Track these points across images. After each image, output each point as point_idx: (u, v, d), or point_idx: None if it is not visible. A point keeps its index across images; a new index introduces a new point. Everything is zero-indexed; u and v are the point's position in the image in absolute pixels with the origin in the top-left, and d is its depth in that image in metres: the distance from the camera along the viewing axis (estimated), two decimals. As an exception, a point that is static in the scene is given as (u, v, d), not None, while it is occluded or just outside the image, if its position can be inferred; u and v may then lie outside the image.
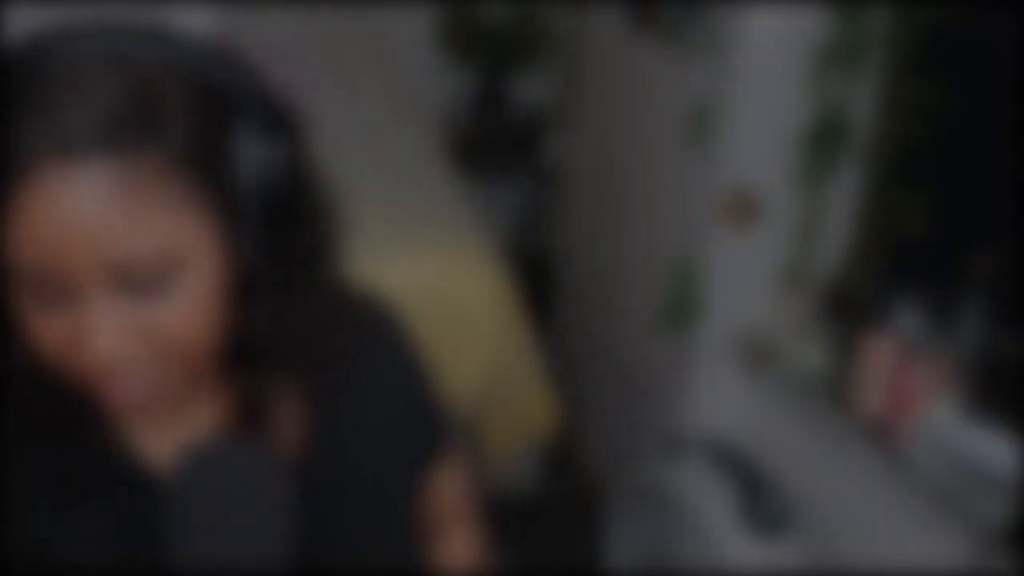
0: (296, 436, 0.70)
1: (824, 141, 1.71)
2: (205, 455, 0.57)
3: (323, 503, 0.69)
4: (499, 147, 3.06)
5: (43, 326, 0.56)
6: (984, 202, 1.53)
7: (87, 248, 0.52)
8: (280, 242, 0.61)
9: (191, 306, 0.57)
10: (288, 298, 0.64)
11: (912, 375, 1.48)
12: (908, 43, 1.62)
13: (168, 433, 0.67)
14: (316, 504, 0.68)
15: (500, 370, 1.90)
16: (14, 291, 0.55)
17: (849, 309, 1.67)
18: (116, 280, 0.54)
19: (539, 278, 2.65)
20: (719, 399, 1.93)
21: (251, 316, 0.61)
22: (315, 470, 0.70)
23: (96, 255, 0.53)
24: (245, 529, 0.55)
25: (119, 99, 0.53)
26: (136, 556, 0.63)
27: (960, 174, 1.58)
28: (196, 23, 2.02)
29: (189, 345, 0.58)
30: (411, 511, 0.79)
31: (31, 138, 0.51)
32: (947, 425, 1.43)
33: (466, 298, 1.85)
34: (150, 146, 0.54)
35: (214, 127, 0.57)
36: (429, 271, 1.79)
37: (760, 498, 1.72)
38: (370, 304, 0.78)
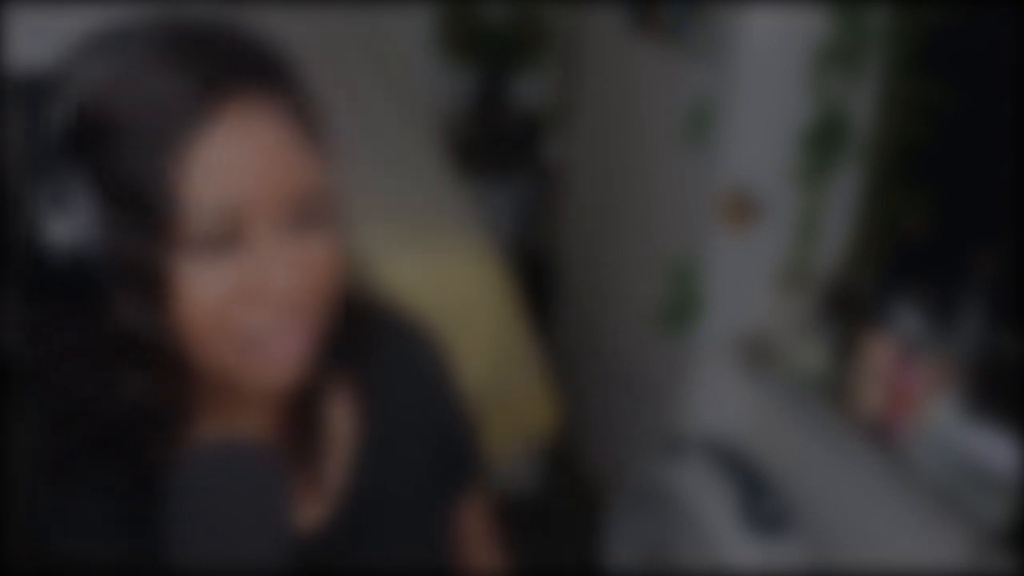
0: (342, 447, 0.70)
1: (824, 141, 1.71)
2: (206, 455, 0.57)
3: (363, 516, 0.69)
4: (499, 147, 3.06)
5: (207, 282, 0.54)
6: (984, 202, 1.53)
7: (272, 179, 0.55)
8: None
9: (331, 248, 0.59)
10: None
11: (912, 375, 1.48)
12: (908, 43, 1.62)
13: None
14: (356, 517, 0.68)
15: (500, 370, 1.90)
16: (171, 253, 0.54)
17: (849, 309, 1.67)
18: (288, 214, 0.56)
19: (539, 278, 2.65)
20: (719, 399, 1.93)
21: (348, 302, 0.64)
22: (357, 484, 0.70)
23: (279, 186, 0.55)
24: (244, 531, 0.55)
25: (267, 48, 0.58)
26: (137, 554, 0.63)
27: (960, 174, 1.58)
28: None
29: (327, 292, 0.60)
30: (445, 534, 0.78)
31: (214, 82, 0.53)
32: (947, 425, 1.43)
33: (466, 298, 1.85)
34: (301, 88, 0.59)
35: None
36: (429, 271, 1.79)
37: (760, 498, 1.72)
38: (410, 319, 0.78)
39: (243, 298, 0.56)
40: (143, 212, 0.53)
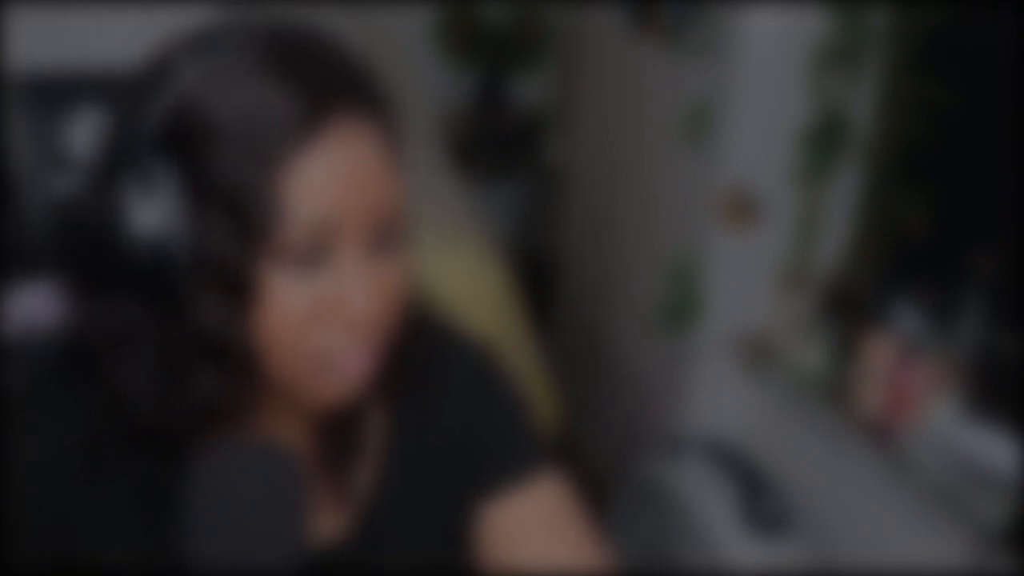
0: (373, 460, 0.70)
1: (824, 141, 1.71)
2: (227, 456, 0.56)
3: (385, 529, 0.69)
4: (499, 147, 3.06)
5: (291, 294, 0.55)
6: (984, 202, 1.53)
7: (363, 198, 0.56)
8: None
9: (403, 272, 0.61)
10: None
11: (912, 375, 1.48)
12: (908, 43, 1.62)
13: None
14: (379, 529, 0.68)
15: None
16: (262, 261, 0.54)
17: (849, 309, 1.67)
18: (372, 235, 0.57)
19: (539, 278, 2.65)
20: (719, 399, 1.93)
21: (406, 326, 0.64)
22: (381, 497, 0.70)
23: (369, 205, 0.56)
24: (257, 535, 0.55)
25: (362, 67, 0.59)
26: (153, 552, 0.63)
27: (960, 174, 1.58)
28: (195, 22, 2.02)
29: (397, 314, 0.61)
30: (468, 540, 0.75)
31: (319, 97, 0.54)
32: (947, 425, 1.43)
33: (466, 298, 1.84)
34: (391, 108, 0.60)
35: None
36: (428, 271, 1.79)
37: (760, 498, 1.72)
38: (462, 339, 0.76)
39: (322, 315, 0.56)
40: (240, 218, 0.53)
